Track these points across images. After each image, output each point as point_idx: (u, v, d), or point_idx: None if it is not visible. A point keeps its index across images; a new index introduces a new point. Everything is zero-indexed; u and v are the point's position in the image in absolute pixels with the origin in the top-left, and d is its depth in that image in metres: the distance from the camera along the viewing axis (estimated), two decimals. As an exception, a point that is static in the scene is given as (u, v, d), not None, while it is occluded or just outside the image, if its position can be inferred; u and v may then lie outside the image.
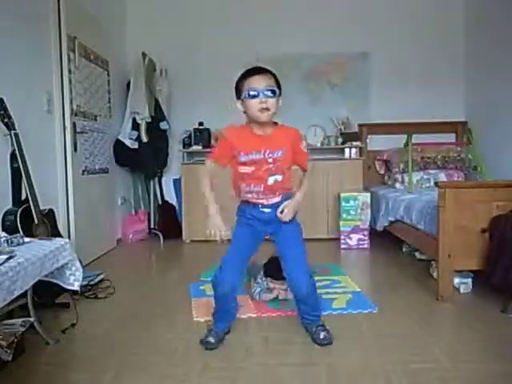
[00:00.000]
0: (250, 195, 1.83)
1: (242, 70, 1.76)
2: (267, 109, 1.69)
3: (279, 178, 1.80)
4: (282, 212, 1.81)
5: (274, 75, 1.75)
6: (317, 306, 1.96)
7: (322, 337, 1.84)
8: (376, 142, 4.50)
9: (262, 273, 2.46)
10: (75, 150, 3.21)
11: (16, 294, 1.47)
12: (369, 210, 3.85)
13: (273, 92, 1.70)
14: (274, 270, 2.34)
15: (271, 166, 1.76)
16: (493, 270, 2.19)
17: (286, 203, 1.81)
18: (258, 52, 4.02)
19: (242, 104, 1.76)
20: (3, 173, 2.33)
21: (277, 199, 1.84)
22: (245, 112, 1.77)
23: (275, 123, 1.81)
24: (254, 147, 1.75)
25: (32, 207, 2.20)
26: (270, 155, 1.75)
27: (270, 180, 1.79)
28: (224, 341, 1.91)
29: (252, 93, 1.69)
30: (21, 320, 1.85)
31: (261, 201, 1.83)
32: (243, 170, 1.79)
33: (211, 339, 1.85)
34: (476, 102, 4.34)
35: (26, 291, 1.74)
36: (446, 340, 1.94)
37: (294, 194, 1.87)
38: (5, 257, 1.47)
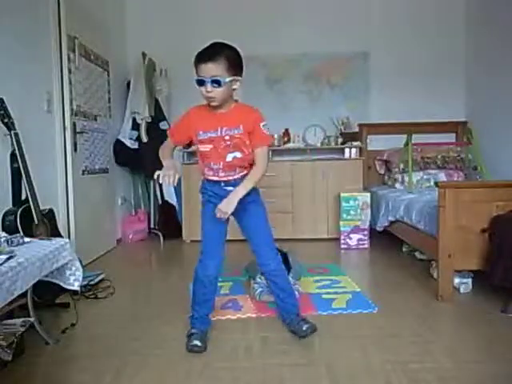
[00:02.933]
0: (211, 173, 1.86)
1: (200, 48, 1.76)
2: (212, 97, 1.72)
3: (238, 154, 1.81)
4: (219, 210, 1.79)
5: (228, 58, 1.71)
6: (288, 287, 2.00)
7: (304, 328, 1.86)
8: (376, 142, 4.50)
9: (260, 272, 2.46)
10: (75, 150, 3.21)
11: (16, 294, 1.47)
12: (369, 210, 3.86)
13: (217, 82, 1.69)
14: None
15: (228, 143, 1.79)
16: (493, 270, 2.19)
17: (223, 202, 1.78)
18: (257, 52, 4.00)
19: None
20: (3, 173, 2.33)
21: (237, 176, 1.85)
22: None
23: (236, 101, 1.84)
24: (211, 125, 1.79)
25: (32, 207, 2.20)
26: (227, 132, 1.78)
27: (229, 157, 1.81)
28: (223, 341, 1.92)
29: (198, 81, 1.73)
30: (21, 320, 1.84)
31: (222, 178, 1.85)
32: (202, 148, 1.83)
33: (197, 342, 1.83)
34: (476, 102, 4.34)
35: (26, 291, 1.75)
36: (446, 340, 1.94)
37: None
38: (5, 257, 1.47)
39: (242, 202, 1.81)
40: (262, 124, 1.81)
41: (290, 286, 2.04)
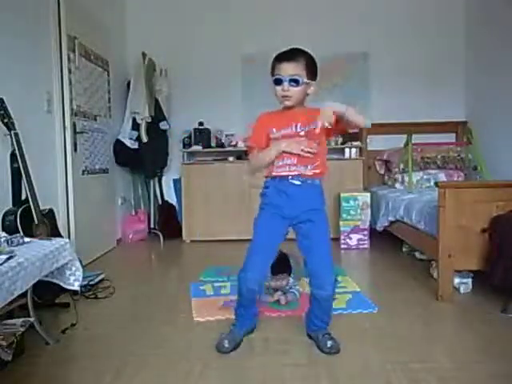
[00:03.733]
0: (282, 169, 1.79)
1: (280, 50, 1.81)
2: (288, 96, 1.74)
3: (312, 150, 1.77)
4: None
5: (307, 61, 1.76)
6: (330, 311, 1.89)
7: (329, 345, 1.79)
8: (376, 142, 4.50)
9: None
10: (75, 150, 3.21)
11: (16, 294, 1.47)
12: (369, 210, 3.85)
13: (295, 81, 1.72)
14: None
15: (303, 139, 1.77)
16: (493, 270, 2.19)
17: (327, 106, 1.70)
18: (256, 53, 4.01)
19: (272, 84, 1.79)
20: (3, 173, 2.33)
21: (309, 173, 1.80)
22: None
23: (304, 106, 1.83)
24: (283, 123, 1.79)
25: (32, 207, 2.20)
26: (302, 128, 1.77)
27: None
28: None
29: (276, 80, 1.74)
30: (21, 320, 1.84)
31: (292, 173, 1.79)
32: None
33: (225, 343, 1.82)
34: (476, 102, 4.34)
35: (26, 291, 1.75)
36: (446, 340, 1.94)
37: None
38: (5, 257, 1.47)
39: (308, 208, 1.81)
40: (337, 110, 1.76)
41: (331, 308, 1.91)
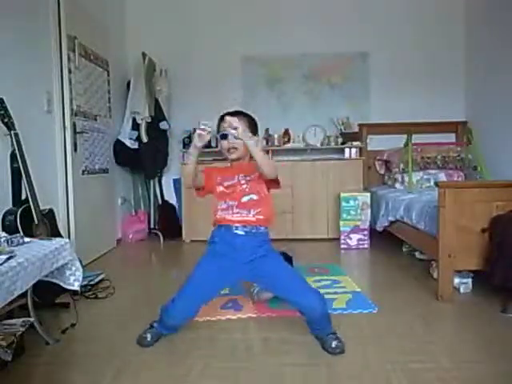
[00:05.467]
0: (225, 212, 1.89)
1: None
2: (234, 148, 1.87)
3: (254, 197, 1.90)
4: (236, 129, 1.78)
5: (249, 117, 1.93)
6: (329, 320, 1.87)
7: (333, 345, 1.78)
8: (376, 142, 4.50)
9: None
10: (75, 150, 3.22)
11: (16, 294, 1.47)
12: (369, 210, 3.86)
13: None
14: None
15: (244, 186, 1.90)
16: (493, 270, 2.19)
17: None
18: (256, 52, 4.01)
19: (218, 142, 1.95)
20: (3, 173, 2.33)
21: (251, 218, 1.87)
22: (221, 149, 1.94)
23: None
24: (229, 173, 1.94)
25: (32, 207, 2.20)
26: (243, 177, 1.91)
27: (245, 198, 1.89)
28: (223, 341, 1.92)
29: (222, 135, 1.88)
30: (21, 320, 1.85)
31: (235, 218, 1.87)
32: (219, 189, 1.93)
33: (148, 336, 1.89)
34: (476, 102, 4.34)
35: (26, 291, 1.75)
36: (446, 340, 1.94)
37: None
38: (5, 257, 1.47)
39: (255, 256, 1.85)
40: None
41: (330, 318, 1.88)
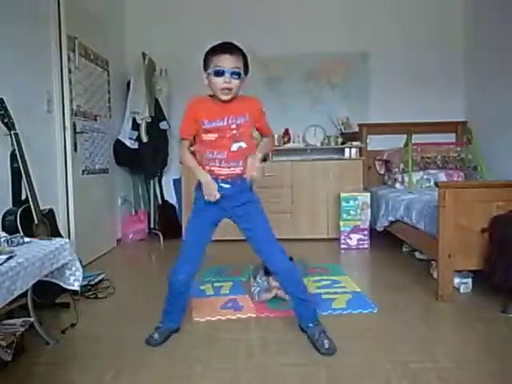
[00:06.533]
0: (212, 163, 1.82)
1: (214, 43, 1.80)
2: (229, 89, 1.74)
3: (243, 145, 1.81)
4: (250, 173, 1.80)
5: (243, 55, 1.78)
6: (302, 285, 1.93)
7: (326, 346, 1.79)
8: (376, 142, 4.50)
9: (261, 272, 2.46)
10: (75, 150, 3.21)
11: (16, 294, 1.47)
12: (369, 210, 3.86)
13: (238, 74, 1.74)
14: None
15: (235, 131, 1.79)
16: (493, 270, 2.19)
17: (249, 163, 1.80)
18: (256, 52, 4.02)
19: (206, 77, 1.79)
20: (3, 173, 2.33)
21: (238, 171, 1.83)
22: (208, 85, 1.80)
23: None
24: (217, 115, 1.78)
25: (32, 207, 2.20)
26: (233, 121, 1.78)
27: (234, 146, 1.80)
28: (223, 341, 1.92)
29: (217, 71, 1.72)
30: (21, 320, 1.85)
31: (222, 171, 1.81)
32: (207, 137, 1.80)
33: (156, 335, 1.91)
34: (476, 102, 4.33)
35: (26, 291, 1.75)
36: (446, 340, 1.94)
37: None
38: (5, 257, 1.47)
39: (239, 203, 1.85)
40: (263, 111, 1.88)
41: (302, 282, 1.95)
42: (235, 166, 1.82)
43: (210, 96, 1.82)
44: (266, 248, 1.89)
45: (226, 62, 1.72)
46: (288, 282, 1.91)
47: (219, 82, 1.72)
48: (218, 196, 1.78)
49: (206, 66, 1.78)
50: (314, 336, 1.84)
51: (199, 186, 1.88)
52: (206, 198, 1.80)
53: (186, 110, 1.86)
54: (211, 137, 1.80)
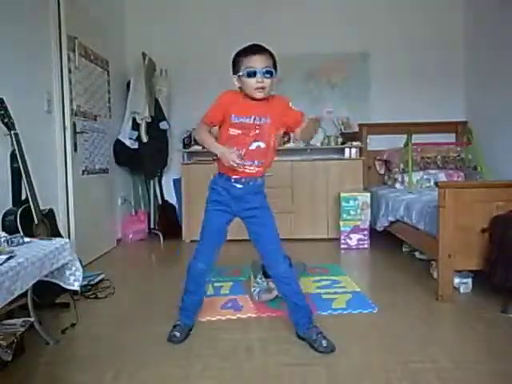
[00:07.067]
0: None
1: (242, 46, 1.83)
2: (263, 88, 1.77)
3: (262, 144, 1.84)
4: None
5: (271, 55, 1.82)
6: (300, 292, 1.94)
7: (324, 345, 1.79)
8: (376, 142, 4.50)
9: (262, 273, 2.46)
10: (75, 150, 3.21)
11: (16, 294, 1.47)
12: (369, 210, 3.86)
13: (270, 73, 1.77)
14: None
15: (257, 131, 1.82)
16: (493, 270, 2.19)
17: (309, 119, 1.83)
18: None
19: (237, 80, 1.82)
20: (3, 173, 2.33)
21: (252, 171, 1.85)
22: (240, 87, 1.83)
23: None
24: (245, 111, 1.81)
25: (32, 207, 2.20)
26: (258, 121, 1.81)
27: (253, 145, 1.82)
28: (223, 341, 1.92)
29: (249, 72, 1.75)
30: (21, 320, 1.85)
31: (239, 168, 1.81)
32: (231, 132, 1.83)
33: (177, 333, 1.92)
34: (476, 102, 4.34)
35: (26, 291, 1.75)
36: (446, 340, 1.94)
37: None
38: (5, 257, 1.47)
39: (249, 207, 1.88)
40: (290, 104, 1.90)
41: (300, 288, 1.97)
42: (249, 166, 1.84)
43: (243, 92, 1.85)
44: (270, 255, 1.92)
45: (257, 62, 1.76)
46: (285, 287, 1.93)
47: (252, 82, 1.76)
48: (237, 160, 1.74)
49: (236, 69, 1.82)
50: (311, 337, 1.84)
51: (213, 182, 1.93)
52: (230, 163, 1.76)
53: (218, 99, 1.87)
54: (234, 132, 1.82)
